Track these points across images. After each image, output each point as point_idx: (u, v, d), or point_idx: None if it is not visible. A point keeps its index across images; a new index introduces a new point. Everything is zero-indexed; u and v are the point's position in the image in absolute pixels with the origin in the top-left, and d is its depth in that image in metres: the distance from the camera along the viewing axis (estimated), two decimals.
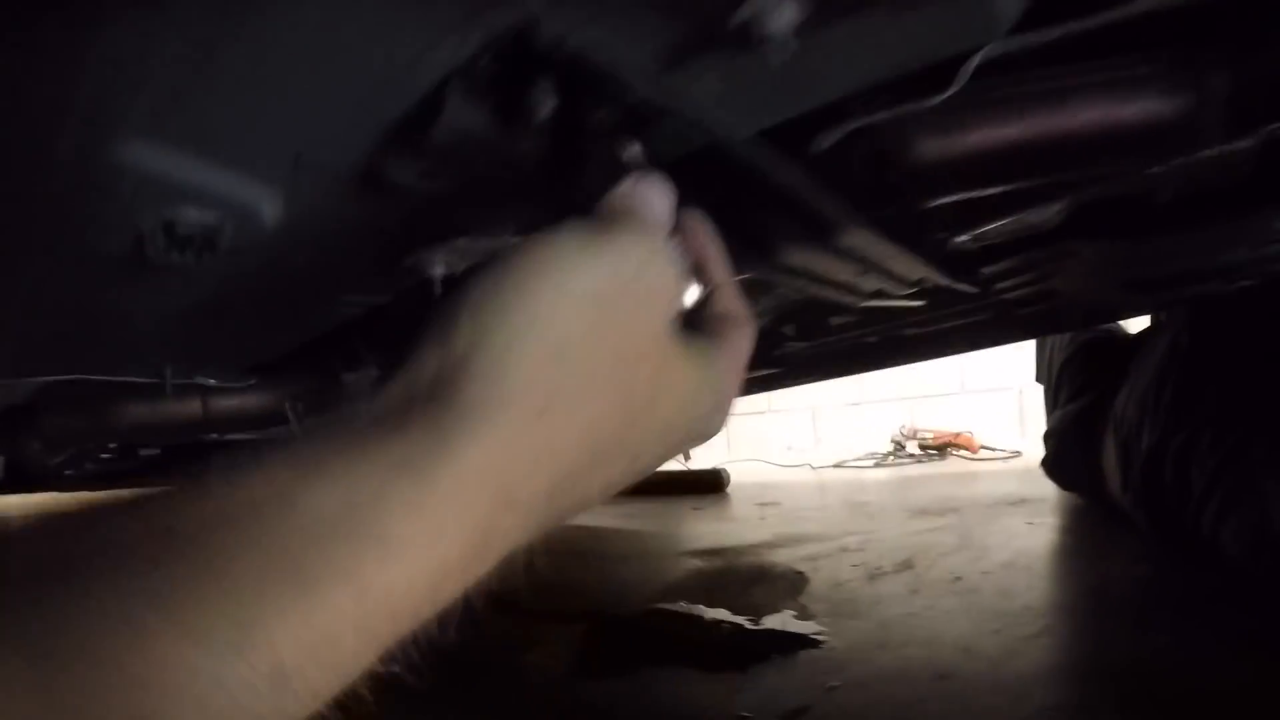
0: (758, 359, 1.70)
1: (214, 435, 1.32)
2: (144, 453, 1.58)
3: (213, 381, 1.01)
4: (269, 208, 0.54)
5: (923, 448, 3.37)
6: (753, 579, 1.54)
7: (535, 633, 1.30)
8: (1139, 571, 1.27)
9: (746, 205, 0.68)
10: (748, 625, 1.22)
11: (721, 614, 1.28)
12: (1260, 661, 0.86)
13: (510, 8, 0.37)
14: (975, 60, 0.52)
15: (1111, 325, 1.82)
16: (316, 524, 0.22)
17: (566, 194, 0.43)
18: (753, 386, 2.02)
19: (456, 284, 0.30)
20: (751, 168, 0.56)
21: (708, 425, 0.37)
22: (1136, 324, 1.77)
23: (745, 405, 4.08)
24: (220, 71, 0.39)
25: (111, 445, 1.44)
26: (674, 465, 3.72)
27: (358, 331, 1.00)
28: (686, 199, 0.65)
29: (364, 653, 0.23)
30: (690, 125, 0.48)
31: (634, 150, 0.47)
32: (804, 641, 1.11)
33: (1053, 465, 1.80)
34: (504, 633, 1.30)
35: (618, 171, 0.48)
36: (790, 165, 0.56)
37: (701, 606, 1.33)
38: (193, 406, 1.06)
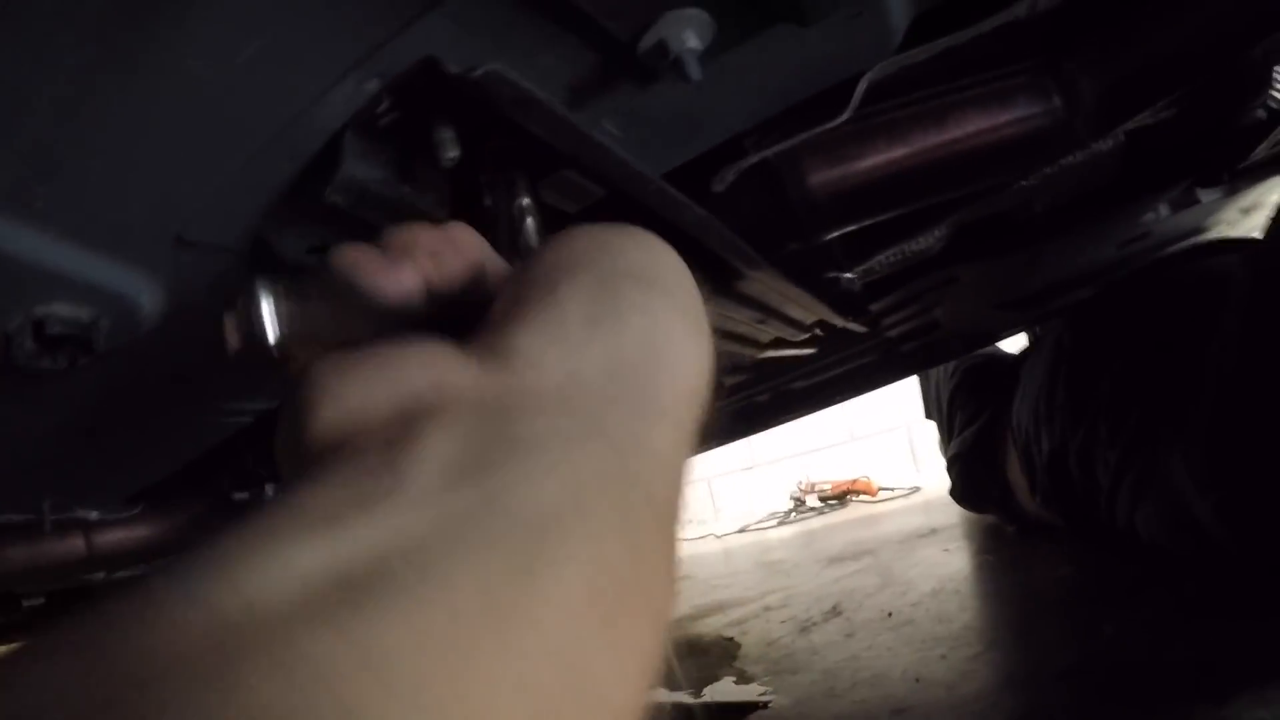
0: None
1: (100, 574, 1.21)
2: (27, 603, 1.43)
3: (95, 514, 0.92)
4: (149, 298, 0.49)
5: (823, 499, 3.41)
6: (684, 652, 1.49)
7: None
8: (1063, 574, 1.31)
9: None
10: (690, 700, 1.18)
11: (659, 694, 1.23)
12: (1197, 633, 0.88)
13: (408, 45, 0.36)
14: (865, 80, 0.54)
15: (991, 349, 1.90)
16: None
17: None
18: None
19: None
20: (656, 213, 0.55)
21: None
22: (1014, 346, 1.85)
23: None
24: (92, 133, 0.35)
25: None
26: None
27: (247, 444, 0.94)
28: None
29: None
30: (599, 161, 0.46)
31: (523, 202, 0.46)
32: (752, 706, 1.08)
33: (961, 491, 1.84)
34: None
35: (518, 222, 0.47)
36: (694, 208, 0.55)
37: None
38: (76, 544, 0.96)
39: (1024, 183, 0.90)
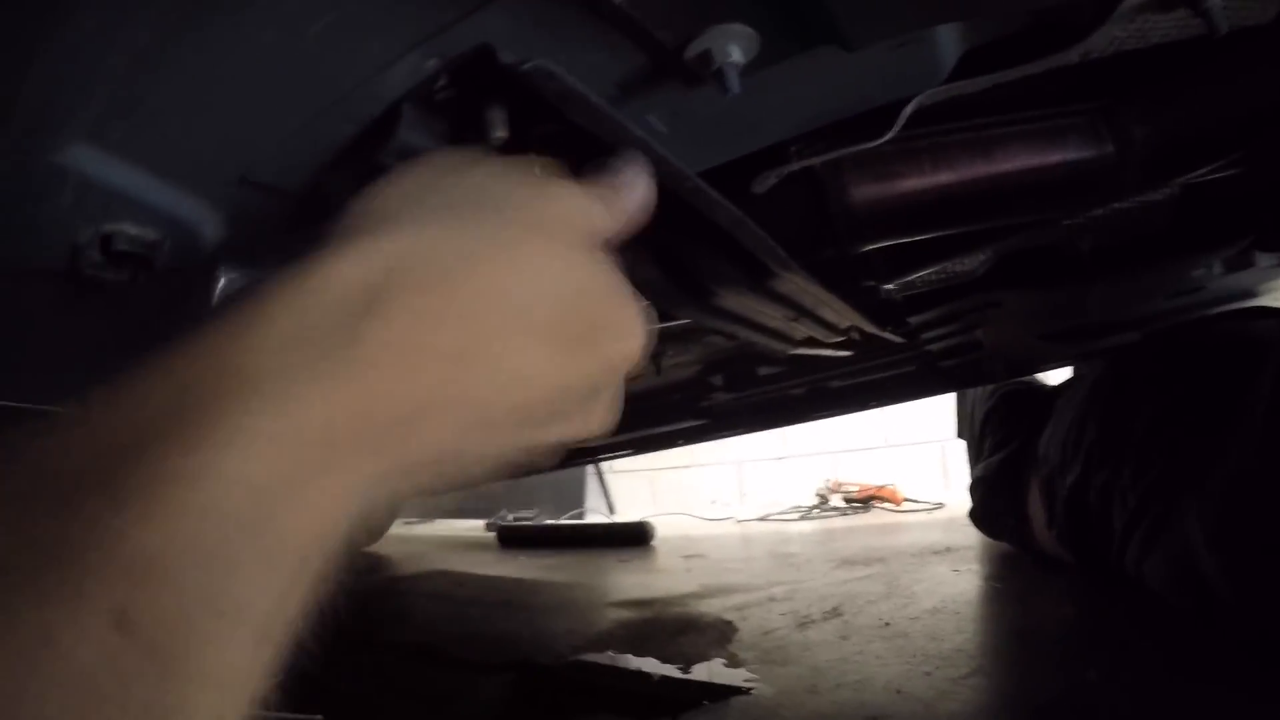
0: (686, 409, 1.71)
1: None
2: None
3: None
4: (210, 228, 0.53)
5: (847, 501, 3.41)
6: (681, 628, 1.53)
7: (460, 684, 1.27)
8: (1064, 613, 1.31)
9: (685, 245, 0.69)
10: (677, 674, 1.21)
11: (650, 663, 1.27)
12: (1178, 695, 0.88)
13: (469, 30, 0.38)
14: (911, 106, 0.55)
15: (1031, 379, 1.88)
16: None
17: None
18: (679, 439, 2.04)
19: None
20: (693, 207, 0.57)
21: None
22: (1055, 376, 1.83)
23: (670, 459, 4.09)
24: (170, 78, 0.38)
25: None
26: (599, 518, 3.70)
27: None
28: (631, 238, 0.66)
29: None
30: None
31: None
32: (734, 689, 1.11)
33: (980, 514, 1.84)
34: (427, 683, 1.26)
35: None
36: (729, 207, 0.57)
37: (630, 656, 1.32)
38: None
39: (1069, 221, 0.90)
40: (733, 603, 1.70)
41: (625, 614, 1.71)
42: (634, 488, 4.24)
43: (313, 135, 0.44)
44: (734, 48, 0.42)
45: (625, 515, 3.53)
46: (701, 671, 1.21)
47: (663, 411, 1.71)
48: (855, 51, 0.44)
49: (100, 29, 0.34)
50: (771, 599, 1.71)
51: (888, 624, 1.35)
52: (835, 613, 1.49)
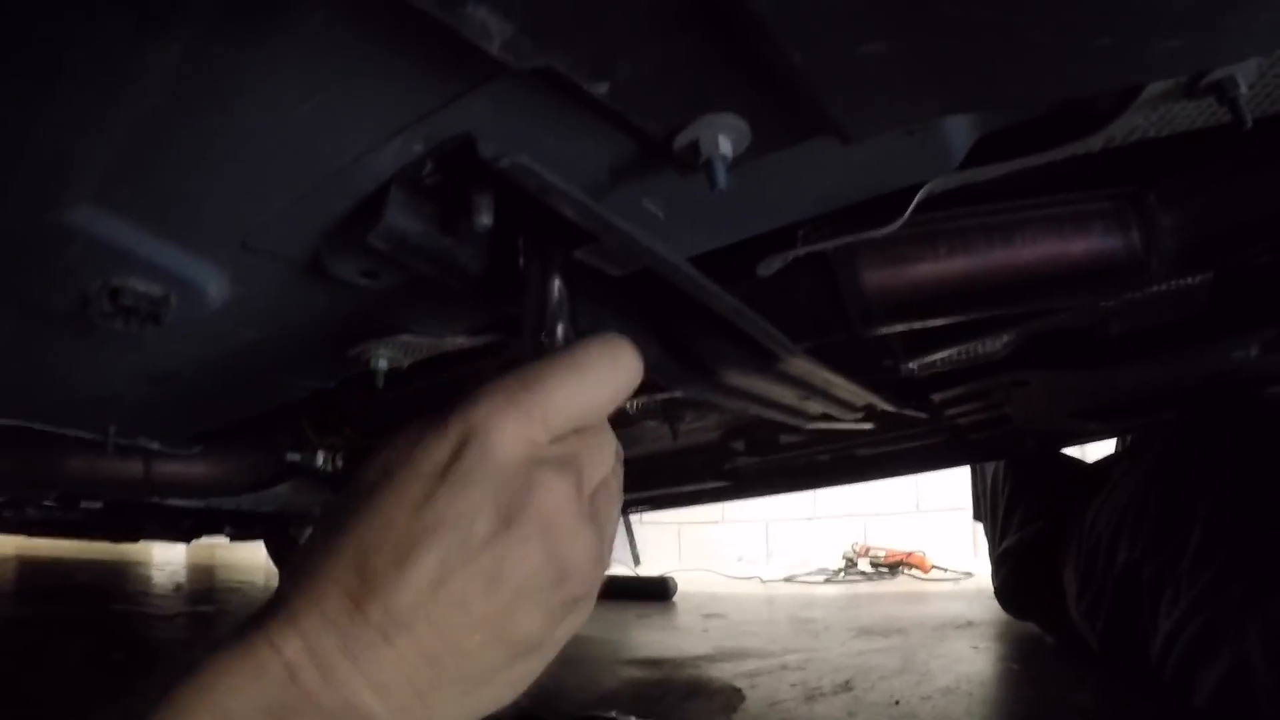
0: (708, 471, 1.70)
1: (155, 498, 1.29)
2: (85, 504, 1.55)
3: (156, 445, 1.00)
4: (214, 287, 0.55)
5: (874, 565, 3.35)
6: (689, 693, 1.50)
7: None
8: (1080, 701, 1.26)
9: (687, 326, 0.68)
10: None
11: None
12: None
13: (453, 117, 0.39)
14: (921, 194, 0.53)
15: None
16: None
17: (504, 306, 0.43)
18: (704, 498, 2.02)
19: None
20: (690, 296, 0.56)
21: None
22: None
23: (698, 514, 4.06)
24: (172, 146, 0.40)
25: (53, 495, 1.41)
26: (623, 569, 3.67)
27: (304, 412, 1.00)
28: (628, 314, 0.66)
29: None
30: (625, 247, 0.48)
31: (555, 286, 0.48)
32: None
33: (1008, 589, 1.78)
34: None
35: (549, 305, 0.49)
36: (725, 296, 0.56)
37: (633, 718, 1.30)
38: (134, 468, 1.04)
39: (1095, 306, 0.88)
40: (745, 669, 1.67)
41: (636, 673, 1.69)
42: (661, 540, 4.21)
43: (307, 209, 0.45)
44: (723, 139, 0.40)
45: (650, 568, 3.49)
46: None
47: (684, 472, 1.70)
48: (853, 143, 0.43)
49: (94, 104, 0.35)
50: (784, 667, 1.67)
51: (898, 702, 1.32)
52: (846, 686, 1.46)
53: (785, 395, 0.85)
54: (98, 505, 1.59)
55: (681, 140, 0.41)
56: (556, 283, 0.49)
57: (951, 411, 1.26)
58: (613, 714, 1.34)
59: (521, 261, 0.48)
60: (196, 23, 0.32)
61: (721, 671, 1.65)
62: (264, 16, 0.32)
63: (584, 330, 0.47)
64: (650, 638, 2.21)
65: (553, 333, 0.46)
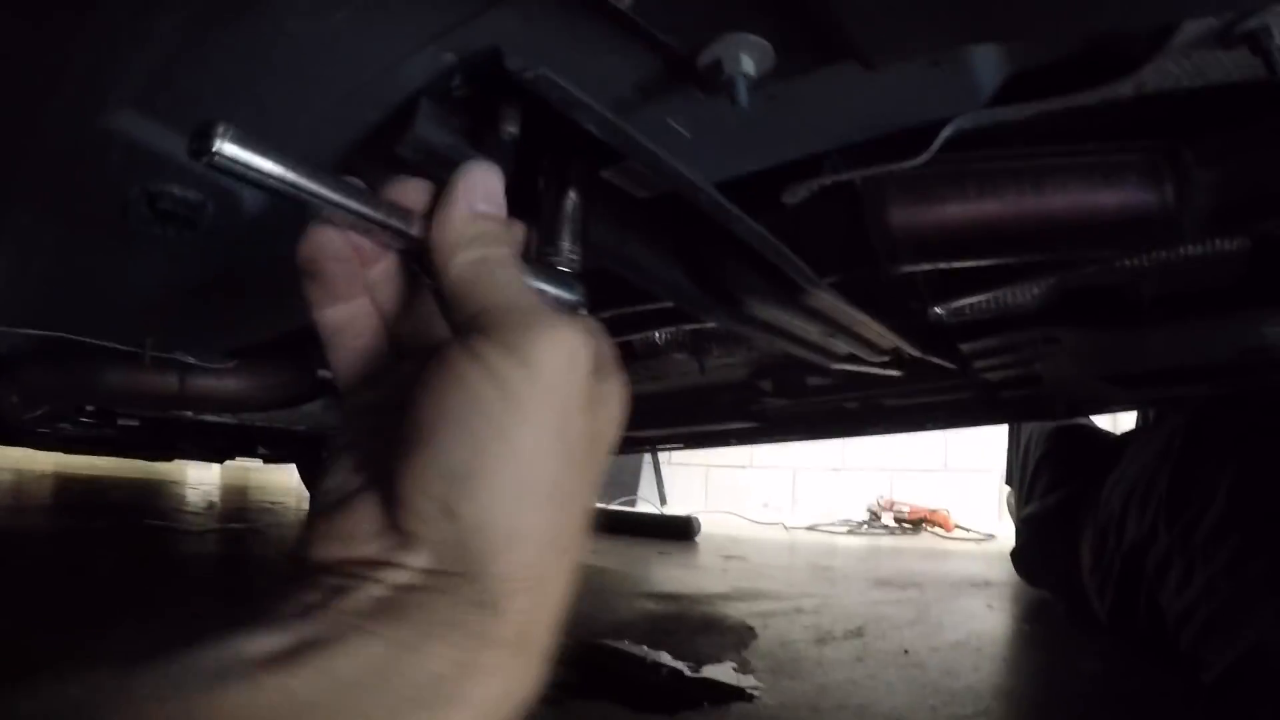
0: (737, 411, 1.71)
1: (189, 413, 1.33)
2: (122, 421, 1.60)
3: (191, 359, 1.02)
4: (250, 195, 0.56)
5: (898, 520, 3.37)
6: (702, 628, 1.54)
7: None
8: (1087, 668, 1.27)
9: (712, 254, 0.69)
10: (686, 671, 1.22)
11: (663, 657, 1.28)
12: None
13: (481, 29, 0.39)
14: (948, 130, 0.53)
15: (1091, 424, 1.82)
16: None
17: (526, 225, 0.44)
18: (731, 438, 2.04)
19: None
20: (713, 218, 0.56)
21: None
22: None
23: (726, 457, 4.08)
24: (211, 53, 0.41)
25: (89, 409, 1.45)
26: (649, 508, 3.72)
27: None
28: (654, 237, 0.67)
29: None
30: (648, 163, 0.48)
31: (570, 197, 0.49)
32: (738, 694, 1.11)
33: (1023, 556, 1.79)
34: None
35: (560, 218, 0.49)
36: (748, 221, 0.56)
37: (645, 647, 1.33)
38: (170, 381, 1.07)
39: (1131, 263, 0.86)
40: (759, 609, 1.70)
41: (652, 606, 1.73)
42: (689, 481, 4.25)
43: (340, 118, 0.46)
44: (746, 59, 0.40)
45: (676, 508, 3.53)
46: (711, 673, 1.21)
47: (712, 410, 1.71)
48: (877, 69, 0.43)
49: (139, 9, 0.37)
50: (799, 610, 1.70)
51: (906, 651, 1.34)
52: (857, 633, 1.48)
53: (810, 331, 0.85)
54: (134, 423, 1.63)
55: (705, 58, 0.41)
56: (571, 197, 0.49)
57: (980, 364, 1.26)
58: (625, 642, 1.37)
59: (540, 180, 0.48)
60: None
61: (736, 610, 1.68)
62: None
63: (592, 246, 0.48)
64: (670, 574, 2.25)
65: (557, 244, 0.47)
